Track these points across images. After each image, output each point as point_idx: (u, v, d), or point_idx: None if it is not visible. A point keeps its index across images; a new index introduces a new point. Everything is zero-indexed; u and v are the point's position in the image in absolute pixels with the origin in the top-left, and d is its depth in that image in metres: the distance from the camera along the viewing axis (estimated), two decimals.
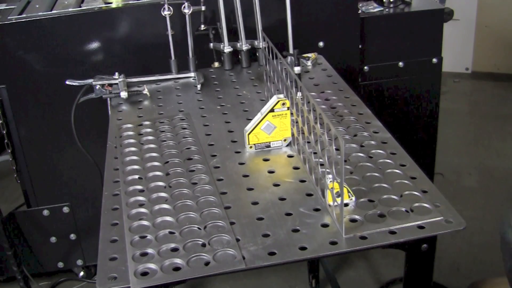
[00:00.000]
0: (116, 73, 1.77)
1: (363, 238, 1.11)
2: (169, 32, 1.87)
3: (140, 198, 1.28)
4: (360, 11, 2.27)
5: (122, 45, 2.07)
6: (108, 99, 1.79)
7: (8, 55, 2.02)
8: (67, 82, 1.80)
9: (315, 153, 1.29)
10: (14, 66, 2.04)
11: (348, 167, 1.33)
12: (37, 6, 2.15)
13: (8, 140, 2.14)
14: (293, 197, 1.25)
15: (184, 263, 1.07)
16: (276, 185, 1.30)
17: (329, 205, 1.19)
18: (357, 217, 1.16)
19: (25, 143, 2.14)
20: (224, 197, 1.26)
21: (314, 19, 2.19)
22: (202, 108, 1.72)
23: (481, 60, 4.11)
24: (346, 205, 1.19)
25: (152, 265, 1.07)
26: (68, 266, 2.36)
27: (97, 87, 1.76)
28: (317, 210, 1.20)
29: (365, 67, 2.34)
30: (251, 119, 1.46)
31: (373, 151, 1.40)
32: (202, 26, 2.04)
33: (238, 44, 1.96)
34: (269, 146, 1.45)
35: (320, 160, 1.25)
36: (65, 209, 2.22)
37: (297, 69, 1.75)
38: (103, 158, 1.49)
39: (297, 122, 1.42)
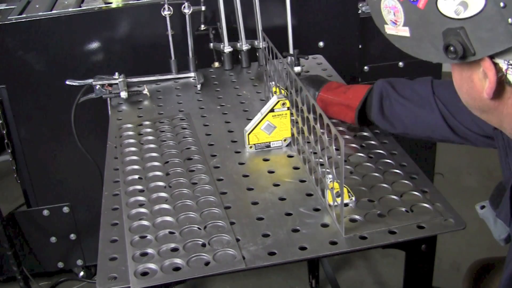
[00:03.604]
0: (116, 73, 1.77)
1: (363, 238, 1.11)
2: (169, 32, 1.87)
3: (140, 198, 1.28)
4: (360, 11, 2.27)
5: (122, 45, 2.07)
6: (108, 99, 1.78)
7: (8, 55, 2.02)
8: (67, 82, 1.79)
9: (315, 153, 1.29)
10: (14, 66, 2.04)
11: (348, 167, 1.33)
12: (37, 6, 2.15)
13: (8, 140, 2.14)
14: (293, 197, 1.25)
15: (184, 263, 1.06)
16: (276, 185, 1.30)
17: (329, 205, 1.19)
18: (357, 217, 1.16)
19: (25, 143, 2.14)
20: (224, 197, 1.26)
21: (314, 19, 2.19)
22: (202, 108, 1.72)
23: None
24: (346, 205, 1.19)
25: (152, 265, 1.07)
26: (68, 266, 2.36)
27: (97, 87, 1.76)
28: (317, 210, 1.20)
29: (365, 67, 2.34)
30: (251, 119, 1.46)
31: (373, 151, 1.40)
32: (202, 26, 2.04)
33: (238, 44, 1.96)
34: (269, 146, 1.45)
35: (320, 160, 1.25)
36: (65, 209, 2.22)
37: (297, 69, 1.75)
38: (103, 158, 1.49)
39: (297, 122, 1.42)
